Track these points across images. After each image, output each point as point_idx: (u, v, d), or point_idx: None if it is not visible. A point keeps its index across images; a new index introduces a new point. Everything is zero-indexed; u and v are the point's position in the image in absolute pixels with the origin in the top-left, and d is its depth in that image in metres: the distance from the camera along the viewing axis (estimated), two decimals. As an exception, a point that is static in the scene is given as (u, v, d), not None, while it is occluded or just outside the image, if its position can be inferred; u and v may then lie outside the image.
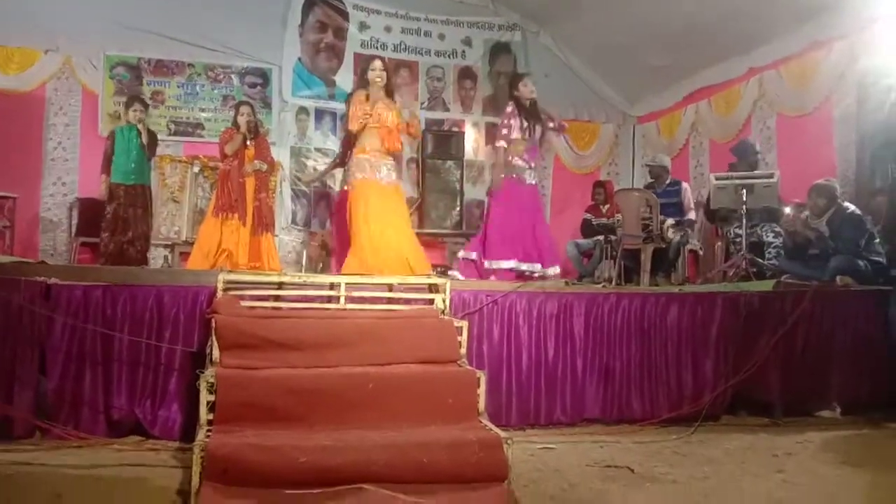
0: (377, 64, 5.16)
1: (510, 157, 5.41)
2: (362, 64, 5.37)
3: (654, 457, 3.60)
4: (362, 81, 5.20)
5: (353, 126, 5.06)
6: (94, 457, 3.27)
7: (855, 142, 6.15)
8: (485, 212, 6.15)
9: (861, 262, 5.17)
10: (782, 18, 6.49)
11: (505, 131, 5.42)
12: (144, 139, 6.20)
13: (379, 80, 5.08)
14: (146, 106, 6.48)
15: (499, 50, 9.06)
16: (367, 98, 5.08)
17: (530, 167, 5.47)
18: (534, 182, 5.57)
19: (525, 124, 5.40)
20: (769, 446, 3.86)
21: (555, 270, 5.31)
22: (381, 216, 4.94)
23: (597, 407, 4.28)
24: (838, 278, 5.08)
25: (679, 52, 7.69)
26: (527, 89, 5.46)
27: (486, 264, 5.21)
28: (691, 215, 6.77)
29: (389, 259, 4.81)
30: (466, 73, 8.95)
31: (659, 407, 4.32)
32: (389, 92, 5.19)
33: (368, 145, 5.05)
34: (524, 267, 5.20)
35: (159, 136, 7.66)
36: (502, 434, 2.96)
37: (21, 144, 7.35)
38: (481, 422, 3.18)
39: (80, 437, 3.48)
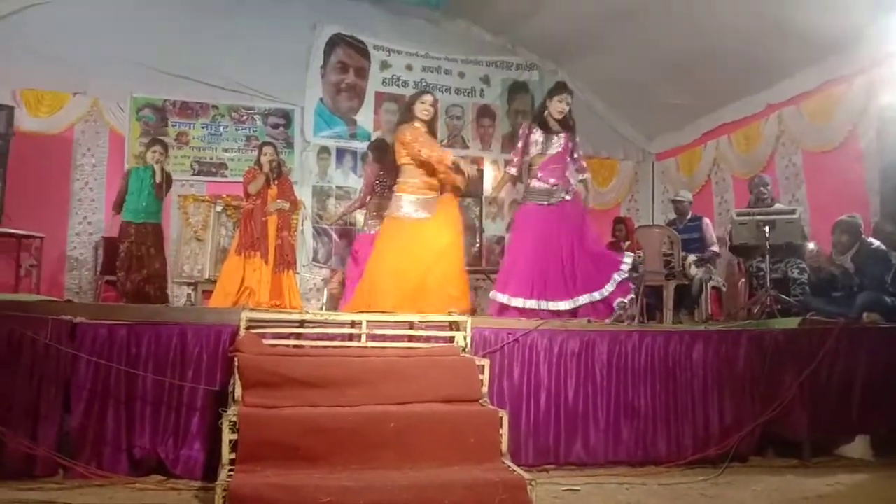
0: (428, 98, 5.02)
1: (529, 181, 5.02)
2: (410, 98, 5.23)
3: (681, 499, 3.53)
4: (406, 115, 5.07)
5: (432, 153, 4.87)
6: (117, 496, 3.27)
7: (878, 176, 6.10)
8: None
9: (888, 299, 5.09)
10: (799, 55, 6.52)
11: (515, 157, 5.10)
12: (158, 178, 6.29)
13: (426, 114, 4.97)
14: (167, 149, 6.59)
15: (517, 89, 9.17)
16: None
17: (553, 186, 4.91)
18: (555, 201, 4.91)
19: (542, 137, 4.98)
20: (799, 488, 3.77)
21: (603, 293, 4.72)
22: (409, 255, 4.81)
23: (621, 447, 4.20)
24: (865, 315, 5.00)
25: (696, 89, 7.73)
26: (559, 106, 5.01)
27: (499, 297, 4.83)
28: (715, 248, 6.72)
29: (409, 295, 4.68)
30: (485, 112, 9.05)
31: (685, 448, 4.24)
32: (432, 130, 5.09)
33: (409, 184, 4.94)
34: (531, 304, 4.71)
35: (184, 176, 7.85)
36: (526, 476, 2.92)
37: (49, 185, 7.49)
38: (504, 462, 3.15)
39: (102, 475, 3.48)
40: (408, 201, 4.94)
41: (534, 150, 5.02)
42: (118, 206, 6.32)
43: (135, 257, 6.21)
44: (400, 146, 4.99)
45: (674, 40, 7.22)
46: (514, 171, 5.14)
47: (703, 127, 8.35)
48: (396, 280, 4.78)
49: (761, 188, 6.31)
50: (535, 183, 4.98)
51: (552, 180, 4.93)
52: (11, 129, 6.96)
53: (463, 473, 2.97)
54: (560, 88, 5.20)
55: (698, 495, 3.61)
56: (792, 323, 4.80)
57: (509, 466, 3.08)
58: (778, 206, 6.21)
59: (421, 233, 4.89)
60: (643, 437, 4.24)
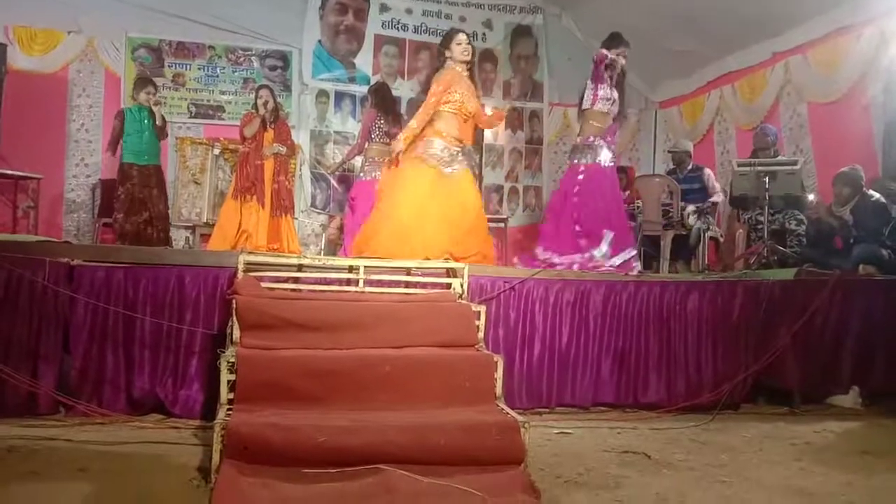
0: (463, 37, 4.60)
1: (590, 138, 4.85)
2: (444, 39, 4.78)
3: (672, 444, 3.59)
4: (441, 58, 4.71)
5: (430, 110, 4.58)
6: (117, 433, 3.32)
7: (883, 129, 6.04)
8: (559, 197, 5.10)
9: (885, 251, 5.10)
10: (808, 3, 6.37)
11: (593, 97, 4.79)
12: (159, 121, 6.20)
13: (466, 55, 4.57)
14: (156, 88, 6.47)
15: (520, 33, 8.99)
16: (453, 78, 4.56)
17: (610, 149, 4.90)
18: (612, 164, 4.93)
19: (615, 95, 4.83)
20: (788, 435, 3.84)
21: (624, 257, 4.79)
22: (428, 206, 4.54)
23: (613, 393, 4.28)
24: (861, 267, 5.02)
25: (701, 36, 7.58)
26: (622, 59, 4.82)
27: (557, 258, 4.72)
28: (716, 198, 6.68)
29: (416, 248, 4.42)
30: (487, 57, 8.86)
31: (677, 395, 4.30)
32: (472, 74, 4.73)
33: (445, 130, 4.61)
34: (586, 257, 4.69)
35: (181, 119, 7.78)
36: (519, 418, 2.97)
37: (45, 126, 7.42)
38: (498, 405, 3.19)
39: (102, 414, 3.54)
40: (433, 143, 4.62)
41: (603, 106, 4.84)
42: (113, 146, 6.23)
43: (136, 199, 6.16)
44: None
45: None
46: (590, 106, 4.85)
47: (708, 75, 8.22)
48: (415, 229, 4.51)
49: (767, 138, 6.25)
50: (600, 143, 4.85)
51: (613, 145, 4.93)
52: (4, 68, 6.85)
53: (458, 415, 3.02)
54: (618, 40, 4.90)
55: (689, 440, 3.68)
56: (788, 274, 4.82)
57: (503, 409, 3.13)
58: (780, 158, 6.16)
59: (446, 186, 4.63)
60: (635, 384, 4.31)
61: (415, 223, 4.50)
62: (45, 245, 4.04)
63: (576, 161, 4.95)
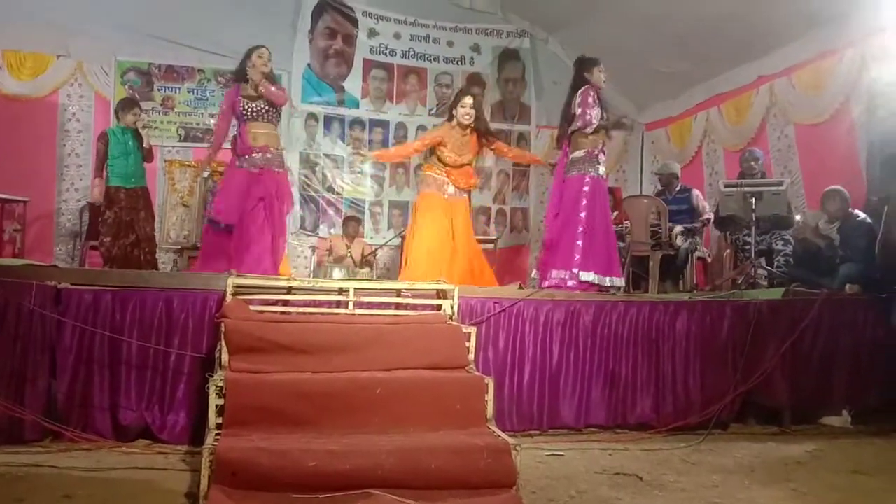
0: (468, 101, 5.06)
1: (593, 151, 4.94)
2: (454, 99, 5.32)
3: (663, 465, 3.59)
4: (448, 114, 5.22)
5: (415, 148, 5.51)
6: (103, 460, 3.29)
7: (866, 149, 6.11)
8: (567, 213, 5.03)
9: (871, 270, 5.13)
10: (791, 26, 6.47)
11: (588, 117, 4.90)
12: (147, 144, 6.16)
13: (467, 119, 5.04)
14: (142, 109, 6.42)
15: (507, 57, 9.06)
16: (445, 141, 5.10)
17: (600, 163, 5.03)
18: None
19: (604, 115, 4.97)
20: (779, 455, 3.85)
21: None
22: (444, 231, 5.05)
23: (603, 414, 4.27)
24: (847, 286, 5.06)
25: (687, 59, 7.68)
26: (602, 76, 5.07)
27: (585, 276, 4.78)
28: (707, 215, 6.71)
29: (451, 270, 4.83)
30: (475, 80, 8.90)
31: (666, 415, 4.31)
32: (480, 130, 5.17)
33: (442, 171, 5.18)
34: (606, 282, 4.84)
35: (170, 142, 7.77)
36: (510, 440, 2.96)
37: (35, 150, 7.38)
38: (489, 428, 3.18)
39: (89, 440, 3.49)
40: (432, 176, 5.21)
41: (598, 121, 4.96)
42: (99, 169, 6.15)
43: (123, 222, 6.09)
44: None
45: (666, 7, 7.16)
46: (589, 130, 4.94)
47: (695, 98, 8.30)
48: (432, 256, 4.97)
49: (752, 163, 6.30)
50: (602, 158, 5.04)
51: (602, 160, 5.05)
52: (-7, 92, 6.84)
53: (449, 438, 3.00)
54: (590, 61, 5.16)
55: (680, 461, 3.68)
56: (776, 293, 4.85)
57: (494, 431, 3.12)
58: (766, 178, 6.21)
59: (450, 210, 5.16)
60: (625, 404, 4.31)
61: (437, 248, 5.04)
62: (31, 268, 4.02)
63: (579, 173, 4.98)
